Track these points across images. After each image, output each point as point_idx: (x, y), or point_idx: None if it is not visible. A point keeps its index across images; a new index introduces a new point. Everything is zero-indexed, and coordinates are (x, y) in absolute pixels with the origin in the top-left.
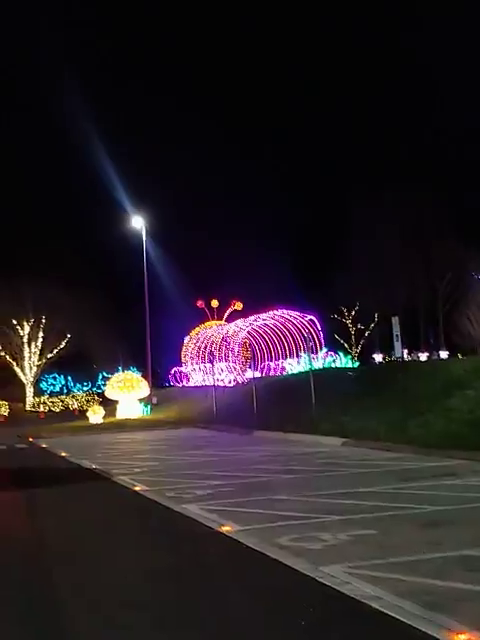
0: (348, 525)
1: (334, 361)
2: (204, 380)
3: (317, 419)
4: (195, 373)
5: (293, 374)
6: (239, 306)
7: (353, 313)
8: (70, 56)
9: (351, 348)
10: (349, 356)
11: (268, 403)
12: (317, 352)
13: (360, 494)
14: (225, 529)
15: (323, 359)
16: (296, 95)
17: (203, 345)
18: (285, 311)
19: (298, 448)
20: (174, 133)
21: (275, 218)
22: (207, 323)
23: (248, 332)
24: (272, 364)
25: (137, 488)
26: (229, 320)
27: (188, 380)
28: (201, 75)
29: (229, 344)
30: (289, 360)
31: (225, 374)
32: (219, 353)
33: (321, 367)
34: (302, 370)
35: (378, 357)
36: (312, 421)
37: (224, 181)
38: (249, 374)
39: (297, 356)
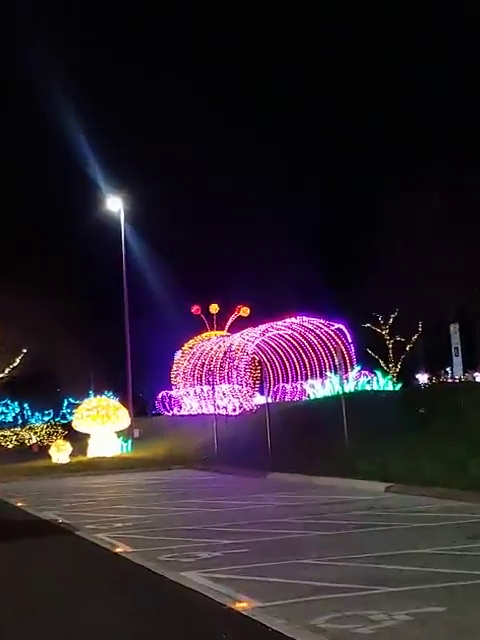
0: (405, 599)
1: (369, 382)
2: (201, 407)
3: (352, 458)
4: (189, 398)
5: (317, 399)
6: (245, 312)
7: (390, 322)
8: (40, 30)
9: (389, 365)
10: (389, 376)
11: (285, 437)
12: (348, 371)
13: (415, 557)
14: (240, 606)
15: (356, 380)
16: (318, 69)
17: (200, 362)
18: (305, 319)
19: (328, 496)
20: (171, 111)
21: (291, 208)
22: (205, 334)
23: (257, 345)
24: (288, 386)
25: (118, 549)
26: (233, 330)
27: (180, 407)
28: (204, 43)
29: (233, 361)
30: (311, 381)
31: (228, 399)
32: (220, 372)
33: (353, 390)
34: (328, 394)
35: (423, 377)
36: (345, 460)
37: (228, 166)
38: (259, 399)
39: (321, 376)
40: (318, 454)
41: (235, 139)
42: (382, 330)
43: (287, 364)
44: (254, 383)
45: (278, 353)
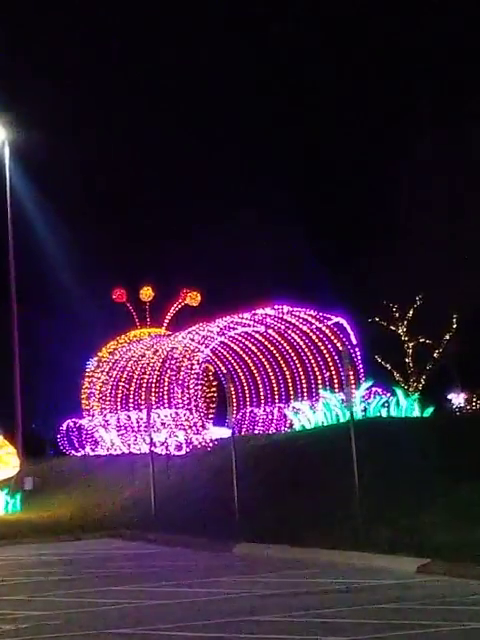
0: None
1: (386, 405)
2: (128, 444)
3: (365, 520)
4: (109, 431)
5: (306, 431)
6: (195, 299)
7: (409, 315)
8: None
9: (408, 380)
10: (414, 396)
11: (260, 488)
12: (352, 387)
13: None
14: None
15: (365, 401)
16: None
17: (125, 376)
18: (286, 308)
19: (331, 579)
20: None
21: (265, 148)
22: (133, 333)
23: (213, 350)
24: (260, 411)
25: None
26: (176, 327)
27: (96, 444)
28: None
29: (176, 373)
30: (296, 404)
31: (169, 431)
32: (157, 391)
33: (363, 416)
34: (324, 422)
35: (458, 397)
36: (355, 524)
37: (179, 86)
38: (215, 431)
39: (311, 396)
40: (312, 514)
41: (187, 44)
42: (397, 327)
43: (258, 378)
44: (208, 407)
45: (245, 361)
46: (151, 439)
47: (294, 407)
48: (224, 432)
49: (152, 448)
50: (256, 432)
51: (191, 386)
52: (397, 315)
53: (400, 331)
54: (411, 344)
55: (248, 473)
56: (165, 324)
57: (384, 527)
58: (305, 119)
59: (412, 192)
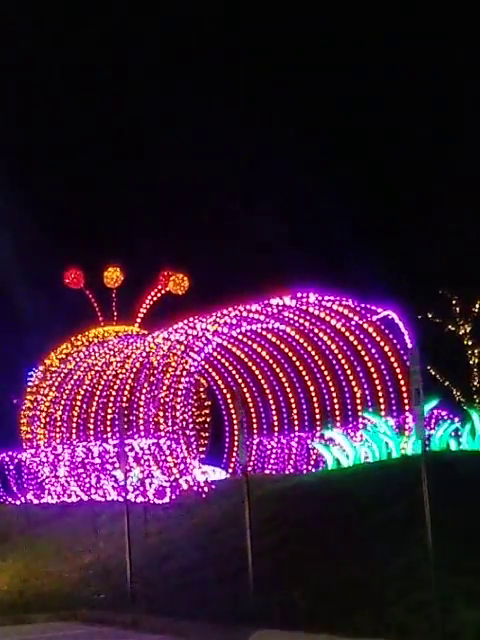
0: None
1: (455, 434)
2: (88, 488)
3: (446, 595)
4: (62, 469)
5: (344, 470)
6: (180, 285)
7: (475, 310)
8: None
9: (473, 399)
10: None
11: (280, 550)
12: (413, 407)
13: None
14: None
15: (429, 428)
16: None
17: (84, 391)
18: (316, 298)
19: None
20: None
21: (280, 89)
22: (93, 331)
23: (206, 357)
24: (272, 443)
25: None
26: (152, 324)
27: (43, 488)
28: None
29: (156, 388)
30: (329, 432)
31: (146, 470)
32: (131, 413)
33: (429, 448)
34: (369, 457)
35: None
36: (425, 606)
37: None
38: (210, 472)
39: (348, 421)
40: (361, 589)
41: None
42: (458, 327)
43: (270, 396)
44: (199, 437)
45: (251, 372)
46: (125, 482)
47: (325, 437)
48: (216, 473)
49: (125, 495)
50: (267, 471)
51: (178, 407)
52: (458, 310)
53: (462, 332)
54: (477, 350)
55: (262, 530)
56: (139, 319)
57: (471, 609)
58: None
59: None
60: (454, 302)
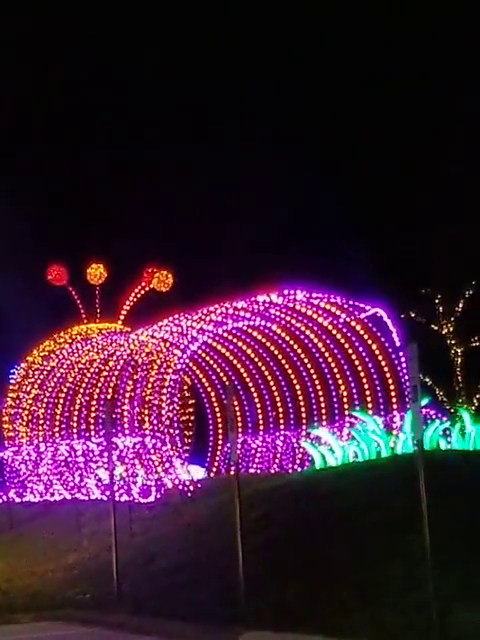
0: None
1: (445, 433)
2: (71, 487)
3: (443, 598)
4: (43, 468)
5: (333, 469)
6: (164, 282)
7: (458, 309)
8: None
9: (456, 398)
10: None
11: (269, 550)
12: (402, 406)
13: None
14: None
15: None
16: None
17: (66, 389)
18: (302, 294)
19: None
20: None
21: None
22: (76, 329)
23: (191, 356)
24: (257, 442)
25: None
26: (136, 322)
27: (25, 486)
28: None
29: (141, 387)
30: (316, 430)
31: (131, 469)
32: (117, 413)
33: (413, 448)
34: (359, 456)
35: None
36: (426, 602)
37: None
38: (194, 471)
39: (335, 419)
40: (355, 589)
41: None
42: (441, 326)
43: (256, 394)
44: (183, 436)
45: (236, 370)
46: (112, 481)
47: (313, 435)
48: (197, 472)
49: (111, 493)
50: (251, 471)
51: (163, 405)
52: (441, 310)
53: (445, 331)
54: (460, 349)
55: (251, 529)
56: (122, 316)
57: (469, 610)
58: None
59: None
60: (437, 302)
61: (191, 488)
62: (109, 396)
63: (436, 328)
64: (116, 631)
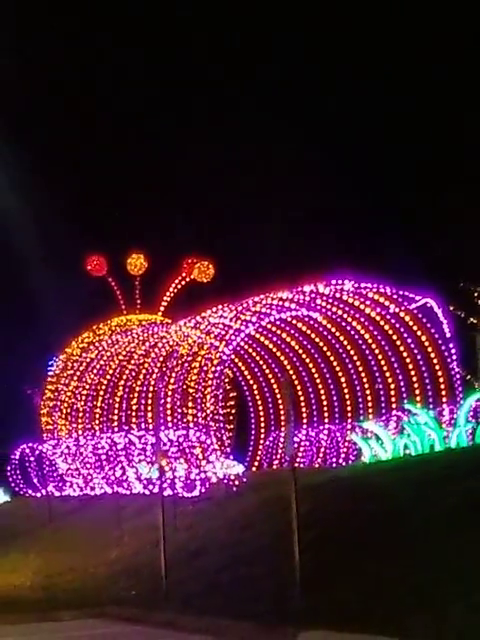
0: None
1: None
2: (112, 481)
3: None
4: (81, 462)
5: (383, 463)
6: (204, 272)
7: None
8: None
9: None
10: None
11: (322, 545)
12: (452, 399)
13: None
14: None
15: (473, 422)
16: None
17: (107, 382)
18: (350, 284)
19: None
20: None
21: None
22: (115, 320)
23: (235, 349)
24: (300, 435)
25: None
26: (176, 313)
27: (64, 480)
28: None
29: (183, 380)
30: (366, 424)
31: (173, 463)
32: (162, 405)
33: (468, 442)
34: (411, 451)
35: None
36: None
37: None
38: (232, 466)
39: (385, 413)
40: (416, 588)
41: None
42: None
43: (299, 388)
44: (226, 427)
45: (279, 362)
46: (162, 475)
47: (363, 429)
48: (235, 467)
49: (161, 488)
50: (296, 465)
51: (208, 399)
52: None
53: None
54: None
55: (300, 525)
56: (162, 308)
57: None
58: None
59: None
60: (476, 294)
61: (236, 483)
62: (152, 388)
63: (475, 321)
64: (164, 629)
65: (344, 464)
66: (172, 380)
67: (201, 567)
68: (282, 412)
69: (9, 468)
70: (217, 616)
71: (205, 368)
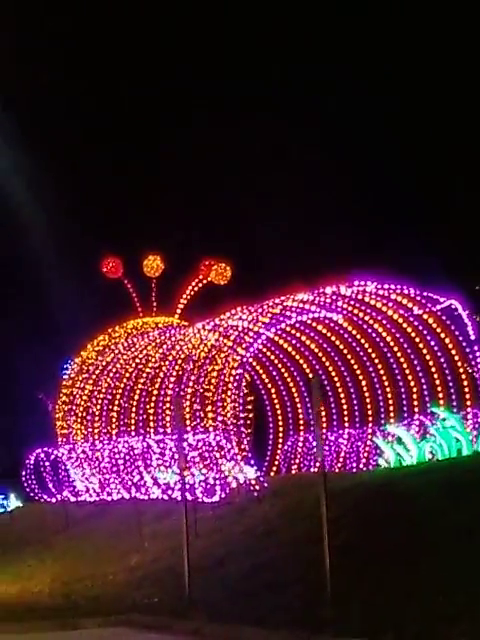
0: None
1: None
2: (130, 486)
3: None
4: (95, 467)
5: (408, 468)
6: (222, 274)
7: None
8: None
9: None
10: None
11: (348, 553)
12: (477, 402)
13: None
14: None
15: None
16: None
17: (123, 385)
18: (371, 288)
19: None
20: None
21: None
22: (131, 323)
23: (254, 353)
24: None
25: None
26: (193, 316)
27: (76, 489)
28: None
29: (199, 384)
30: (392, 427)
31: (194, 467)
32: (185, 407)
33: None
34: (437, 455)
35: None
36: None
37: None
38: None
39: (407, 418)
40: (451, 597)
41: None
42: None
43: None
44: (246, 431)
45: (299, 366)
46: (183, 480)
47: (386, 433)
48: (248, 471)
49: (184, 493)
50: (313, 470)
51: (228, 401)
52: None
53: None
54: None
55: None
56: (179, 310)
57: None
58: None
59: None
60: None
61: (257, 488)
62: (170, 392)
63: None
64: (190, 638)
65: (364, 469)
66: (191, 384)
67: (225, 574)
68: (300, 416)
69: (24, 473)
70: (244, 625)
71: (224, 372)
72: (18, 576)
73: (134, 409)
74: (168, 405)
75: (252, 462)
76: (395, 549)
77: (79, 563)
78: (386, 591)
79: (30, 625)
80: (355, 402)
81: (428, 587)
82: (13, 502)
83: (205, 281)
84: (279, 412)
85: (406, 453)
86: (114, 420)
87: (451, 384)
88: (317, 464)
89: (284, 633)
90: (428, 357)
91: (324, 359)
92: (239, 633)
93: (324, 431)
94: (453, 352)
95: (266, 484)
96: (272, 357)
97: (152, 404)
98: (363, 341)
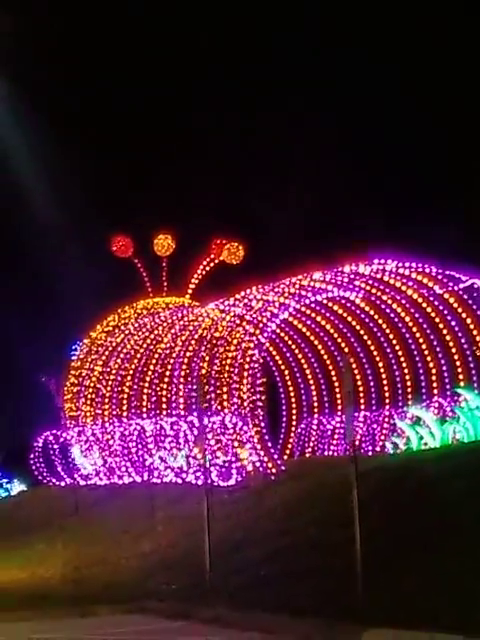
0: None
1: None
2: (142, 469)
3: None
4: (106, 450)
5: (432, 450)
6: (234, 253)
7: None
8: None
9: None
10: None
11: (376, 538)
12: None
13: None
14: None
15: None
16: None
17: (133, 367)
18: (391, 266)
19: None
20: None
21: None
22: (141, 303)
23: (271, 334)
24: (335, 422)
25: None
26: (204, 296)
27: (85, 472)
28: None
29: (213, 365)
30: (415, 410)
31: (211, 450)
32: (193, 391)
33: None
34: (463, 437)
35: None
36: None
37: None
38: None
39: (426, 399)
40: None
41: None
42: None
43: (333, 371)
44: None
45: (314, 347)
46: (205, 463)
47: (412, 415)
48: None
49: (206, 475)
50: (327, 453)
51: (245, 384)
52: None
53: None
54: None
55: (349, 517)
56: (190, 290)
57: None
58: None
59: None
60: None
61: (274, 471)
62: (184, 374)
63: None
64: (212, 626)
65: (380, 452)
66: (204, 365)
67: (244, 559)
68: (314, 399)
69: (32, 456)
70: (268, 612)
71: (239, 354)
72: (28, 561)
73: (146, 391)
74: (181, 387)
75: (269, 444)
76: (421, 533)
77: (90, 548)
78: (416, 577)
79: (42, 612)
80: (372, 384)
81: (458, 572)
82: (17, 486)
83: (217, 260)
84: (293, 394)
85: (430, 437)
86: (125, 402)
87: (472, 365)
88: (333, 448)
89: (314, 621)
90: (448, 338)
91: (340, 340)
92: (265, 621)
93: (339, 414)
94: (474, 333)
95: (284, 467)
96: (286, 338)
97: (164, 385)
98: (381, 321)
